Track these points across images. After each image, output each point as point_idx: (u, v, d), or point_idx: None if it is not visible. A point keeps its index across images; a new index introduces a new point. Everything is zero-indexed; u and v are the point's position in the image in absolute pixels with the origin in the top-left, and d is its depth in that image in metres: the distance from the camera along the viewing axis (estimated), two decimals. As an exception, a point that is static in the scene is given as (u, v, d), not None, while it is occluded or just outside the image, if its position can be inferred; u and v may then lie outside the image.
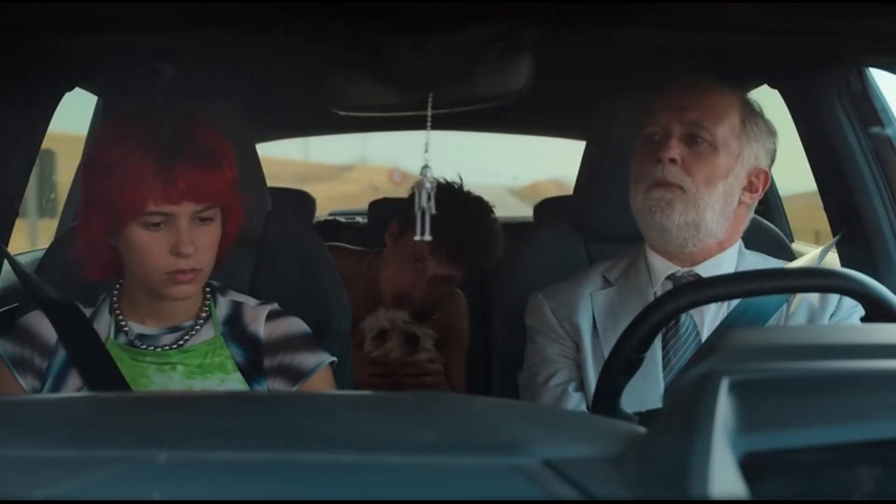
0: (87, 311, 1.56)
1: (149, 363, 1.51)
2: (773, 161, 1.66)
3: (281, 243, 1.80)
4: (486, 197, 2.42)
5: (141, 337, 1.54)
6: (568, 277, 1.75)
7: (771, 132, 1.64)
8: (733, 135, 1.58)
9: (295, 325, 1.59)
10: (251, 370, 1.54)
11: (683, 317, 1.61)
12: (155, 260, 1.45)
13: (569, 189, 2.14)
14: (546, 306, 1.70)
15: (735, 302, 1.61)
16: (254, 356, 1.55)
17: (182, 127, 1.47)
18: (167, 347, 1.53)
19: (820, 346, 0.71)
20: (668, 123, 1.58)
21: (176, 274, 1.45)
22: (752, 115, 1.62)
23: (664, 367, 1.58)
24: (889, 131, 1.98)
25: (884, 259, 1.93)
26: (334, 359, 1.60)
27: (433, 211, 1.51)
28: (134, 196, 1.42)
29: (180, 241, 1.43)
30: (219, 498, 0.58)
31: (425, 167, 1.59)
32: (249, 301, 1.61)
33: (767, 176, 1.65)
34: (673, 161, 1.55)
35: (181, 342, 1.53)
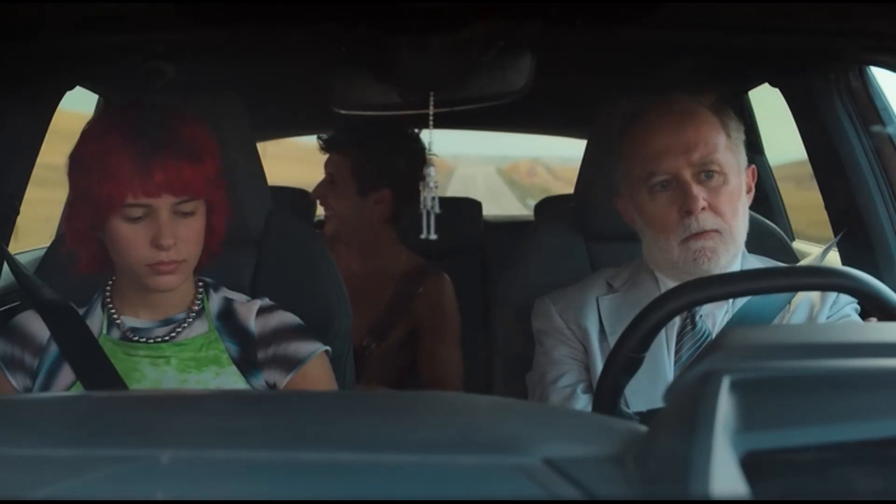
0: (81, 311, 1.57)
1: (142, 357, 1.52)
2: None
3: (282, 242, 1.80)
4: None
5: (134, 330, 1.55)
6: (572, 281, 1.75)
7: (740, 126, 1.63)
8: (729, 152, 1.58)
9: (286, 317, 1.60)
10: (246, 365, 1.55)
11: (698, 318, 1.61)
12: (136, 252, 1.46)
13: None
14: (553, 309, 1.70)
15: (740, 303, 1.61)
16: (247, 351, 1.56)
17: (162, 121, 1.48)
18: (159, 340, 1.54)
19: (821, 344, 0.71)
20: (677, 169, 1.56)
21: (157, 265, 1.46)
22: (728, 119, 1.61)
23: (676, 366, 1.58)
24: (890, 130, 1.98)
25: (885, 257, 1.93)
26: (328, 348, 1.61)
27: (437, 210, 1.51)
28: (113, 189, 1.43)
29: (160, 233, 1.44)
30: (220, 497, 0.58)
31: (428, 166, 1.59)
32: (241, 297, 1.62)
33: (755, 170, 1.65)
34: (703, 209, 1.55)
35: (173, 334, 1.54)
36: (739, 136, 1.62)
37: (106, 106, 2.47)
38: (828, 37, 1.80)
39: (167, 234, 1.44)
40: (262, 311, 1.59)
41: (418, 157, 2.40)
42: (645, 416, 1.34)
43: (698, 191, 1.55)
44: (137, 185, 1.42)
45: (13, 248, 1.91)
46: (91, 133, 1.52)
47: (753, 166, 1.65)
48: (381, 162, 2.36)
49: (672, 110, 1.60)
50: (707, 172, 1.56)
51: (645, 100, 1.67)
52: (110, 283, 1.58)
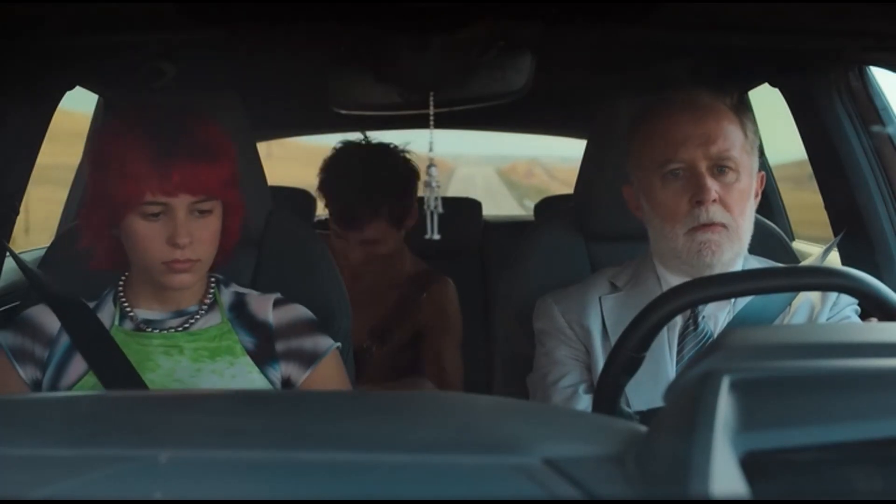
0: (91, 305, 1.58)
1: (156, 346, 1.54)
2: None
3: (282, 242, 1.80)
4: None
5: (147, 321, 1.57)
6: (572, 281, 1.75)
7: (757, 130, 1.65)
8: (745, 152, 1.59)
9: (301, 311, 1.63)
10: (262, 356, 1.57)
11: (700, 318, 1.61)
12: (152, 250, 1.48)
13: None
14: (555, 309, 1.70)
15: (742, 303, 1.61)
16: (264, 342, 1.58)
17: (180, 121, 1.51)
18: (173, 330, 1.55)
19: (820, 344, 0.71)
20: (693, 159, 1.57)
21: (172, 263, 1.48)
22: (747, 121, 1.62)
23: (678, 367, 1.58)
24: (890, 130, 1.98)
25: (885, 257, 1.93)
26: (339, 344, 1.64)
27: (441, 210, 1.52)
28: (132, 188, 1.45)
29: (176, 232, 1.46)
30: (219, 497, 0.58)
31: (430, 166, 1.59)
32: (252, 292, 1.65)
33: (764, 177, 1.66)
34: (714, 201, 1.55)
35: (187, 325, 1.56)
36: (755, 140, 1.63)
37: (108, 106, 2.48)
38: (828, 37, 1.80)
39: (183, 233, 1.46)
40: (277, 304, 1.61)
41: (410, 165, 2.40)
42: (645, 416, 1.34)
43: (711, 183, 1.55)
44: (156, 183, 1.45)
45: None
46: (110, 132, 1.54)
47: (763, 173, 1.66)
48: (404, 192, 2.35)
49: (695, 104, 1.61)
50: (722, 167, 1.57)
51: (653, 98, 1.67)
52: (123, 279, 1.60)
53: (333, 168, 2.38)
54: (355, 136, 2.49)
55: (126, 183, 1.45)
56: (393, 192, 2.30)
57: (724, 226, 1.56)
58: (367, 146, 2.42)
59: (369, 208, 2.29)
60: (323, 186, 2.38)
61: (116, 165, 1.47)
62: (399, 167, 2.37)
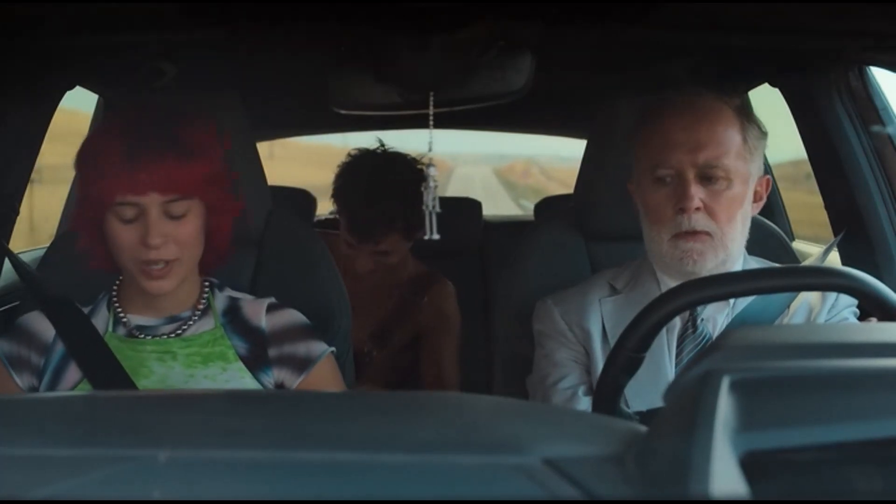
0: (86, 310, 1.58)
1: (149, 352, 1.53)
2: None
3: (282, 242, 1.80)
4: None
5: (140, 328, 1.56)
6: (572, 282, 1.75)
7: (763, 134, 1.62)
8: (740, 159, 1.56)
9: (295, 316, 1.61)
10: (255, 361, 1.56)
11: (699, 321, 1.61)
12: (128, 251, 1.47)
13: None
14: (555, 311, 1.69)
15: (740, 306, 1.61)
16: (257, 348, 1.57)
17: (160, 120, 1.49)
18: (166, 336, 1.55)
19: (821, 344, 0.71)
20: (681, 166, 1.55)
21: (147, 265, 1.47)
22: (750, 125, 1.60)
23: (677, 370, 1.58)
24: (890, 130, 1.98)
25: (885, 258, 1.93)
26: (333, 348, 1.63)
27: (438, 210, 1.52)
28: (104, 187, 1.45)
29: (148, 232, 1.44)
30: (219, 497, 0.58)
31: (429, 166, 1.59)
32: (246, 296, 1.63)
33: (769, 181, 1.65)
34: (697, 209, 1.54)
35: (180, 331, 1.55)
36: (758, 144, 1.60)
37: (108, 106, 2.48)
38: (828, 37, 1.80)
39: (155, 233, 1.44)
40: (271, 309, 1.60)
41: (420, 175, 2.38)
42: (645, 416, 1.34)
43: (696, 191, 1.54)
44: (125, 182, 1.43)
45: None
46: (94, 133, 1.54)
47: (768, 177, 1.64)
48: (418, 206, 2.34)
49: (693, 107, 1.59)
50: (710, 175, 1.55)
51: (653, 98, 1.66)
52: (117, 283, 1.59)
53: (349, 178, 2.36)
54: (369, 138, 2.48)
55: (99, 183, 1.45)
56: (408, 208, 2.28)
57: (708, 234, 1.55)
58: (384, 156, 2.39)
59: (385, 224, 2.29)
60: (338, 195, 2.37)
61: (92, 164, 1.47)
62: (414, 180, 2.36)
